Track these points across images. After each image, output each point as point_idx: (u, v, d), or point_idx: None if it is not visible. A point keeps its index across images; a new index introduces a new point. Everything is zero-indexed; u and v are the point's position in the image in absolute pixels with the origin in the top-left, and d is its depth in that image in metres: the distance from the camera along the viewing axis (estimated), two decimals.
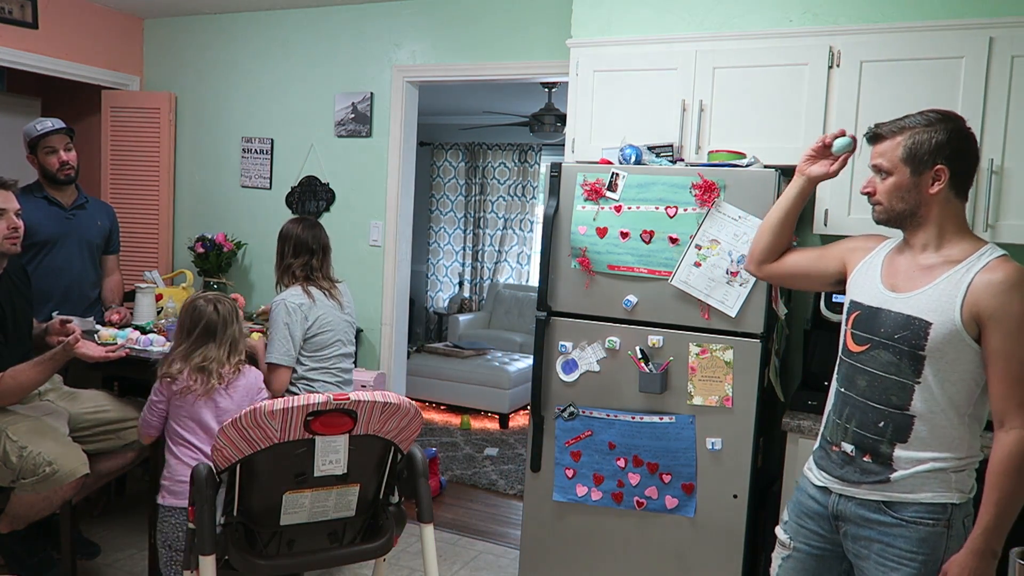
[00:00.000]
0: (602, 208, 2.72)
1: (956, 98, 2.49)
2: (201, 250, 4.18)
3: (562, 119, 5.73)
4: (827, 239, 2.95)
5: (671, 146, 2.80)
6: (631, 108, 2.96)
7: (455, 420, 5.81)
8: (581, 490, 2.79)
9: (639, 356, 2.67)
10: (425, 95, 4.25)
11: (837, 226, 2.66)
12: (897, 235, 1.79)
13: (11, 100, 4.86)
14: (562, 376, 2.81)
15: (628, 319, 2.72)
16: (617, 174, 2.70)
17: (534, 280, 7.74)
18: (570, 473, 2.80)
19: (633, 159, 2.74)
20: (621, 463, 2.72)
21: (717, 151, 2.72)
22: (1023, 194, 2.46)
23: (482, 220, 8.03)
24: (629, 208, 2.68)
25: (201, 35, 4.48)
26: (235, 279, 4.32)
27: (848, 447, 1.73)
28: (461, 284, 8.18)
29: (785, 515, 1.89)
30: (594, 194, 2.72)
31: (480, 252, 8.07)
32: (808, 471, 1.85)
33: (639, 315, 2.70)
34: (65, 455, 2.55)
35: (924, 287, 1.64)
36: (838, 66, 2.64)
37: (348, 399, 2.07)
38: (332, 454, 2.12)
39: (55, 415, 2.75)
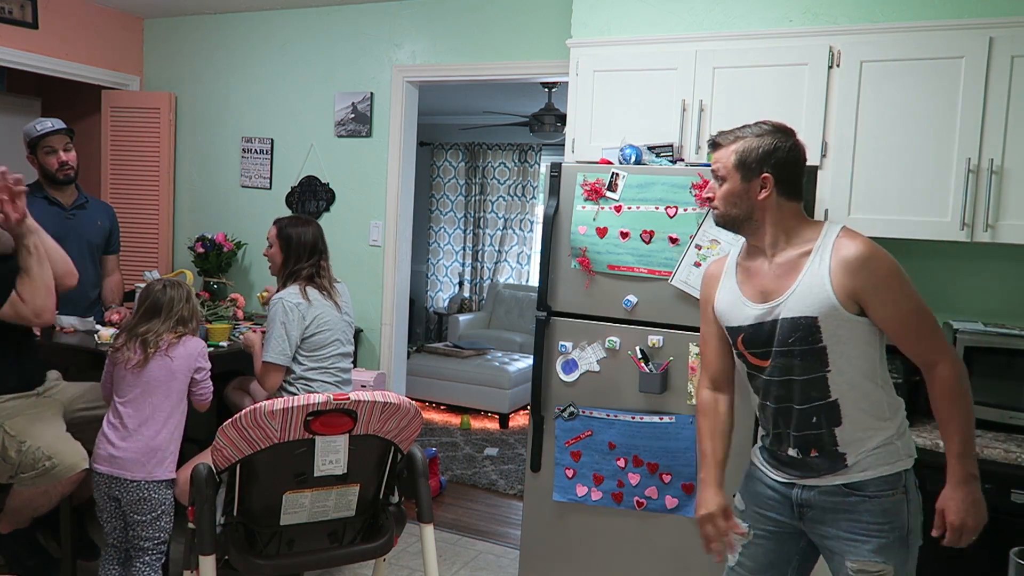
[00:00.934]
0: (602, 208, 2.72)
1: (956, 98, 2.49)
2: (201, 250, 4.18)
3: (562, 119, 5.73)
4: None
5: (671, 146, 2.80)
6: (631, 108, 2.96)
7: (455, 420, 5.81)
8: (581, 490, 2.79)
9: (639, 356, 2.67)
10: (425, 95, 4.25)
11: None
12: (738, 244, 1.91)
13: (11, 100, 4.86)
14: (562, 376, 2.81)
15: (628, 319, 2.72)
16: (617, 174, 2.70)
17: (534, 280, 7.74)
18: (570, 473, 2.80)
19: (633, 159, 2.74)
20: (621, 463, 2.72)
21: None
22: (1023, 194, 2.46)
23: (482, 220, 8.03)
24: (629, 208, 2.68)
25: (201, 35, 4.48)
26: (235, 279, 4.32)
27: (794, 451, 1.80)
28: (461, 284, 8.18)
29: (739, 502, 1.93)
30: (594, 194, 2.72)
31: (480, 252, 8.07)
32: (761, 467, 1.90)
33: (639, 315, 2.70)
34: (64, 449, 2.55)
35: (793, 286, 1.73)
36: (838, 66, 2.64)
37: (348, 399, 2.07)
38: (332, 454, 2.12)
39: (54, 410, 2.75)
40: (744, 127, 1.80)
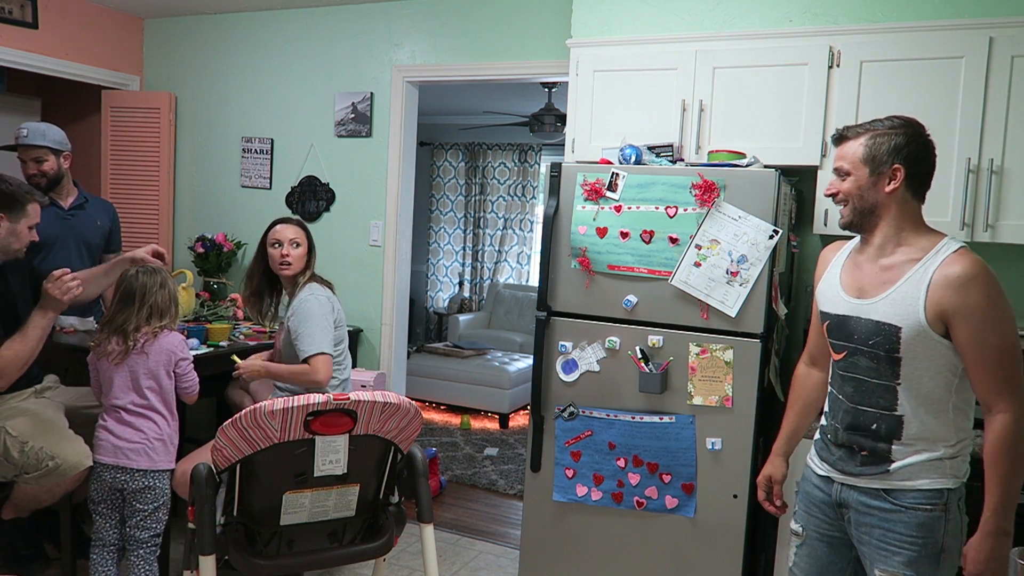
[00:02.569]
0: (602, 208, 2.72)
1: (956, 98, 2.50)
2: (201, 250, 4.18)
3: (562, 119, 5.73)
4: (827, 239, 2.96)
5: (671, 146, 2.80)
6: (631, 108, 2.96)
7: (455, 420, 5.81)
8: (581, 490, 2.79)
9: (639, 356, 2.67)
10: (425, 95, 4.25)
11: (837, 226, 2.65)
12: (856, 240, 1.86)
13: (11, 100, 4.86)
14: (562, 376, 2.81)
15: (628, 319, 2.72)
16: (617, 174, 2.70)
17: (534, 280, 7.74)
18: (570, 473, 2.80)
19: (633, 159, 2.74)
20: (621, 463, 2.72)
21: (717, 151, 2.72)
22: (1023, 194, 2.46)
23: (482, 220, 8.03)
24: (629, 208, 2.68)
25: (201, 35, 4.48)
26: (235, 279, 4.31)
27: (844, 445, 1.80)
28: (461, 284, 8.18)
29: (796, 506, 1.95)
30: (594, 194, 2.72)
31: (480, 252, 8.07)
32: (811, 461, 1.92)
33: (639, 315, 2.70)
34: (67, 448, 2.56)
35: (888, 291, 1.70)
36: (838, 66, 2.64)
37: (348, 399, 2.07)
38: (332, 454, 2.12)
39: (54, 409, 2.75)
40: (875, 121, 1.75)
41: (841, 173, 1.77)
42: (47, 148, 3.26)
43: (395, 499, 2.37)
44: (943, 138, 2.51)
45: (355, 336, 4.00)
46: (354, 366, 3.80)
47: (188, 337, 3.23)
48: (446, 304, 8.19)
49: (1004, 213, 2.48)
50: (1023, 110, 2.43)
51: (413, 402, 2.20)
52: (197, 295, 3.86)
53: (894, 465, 1.71)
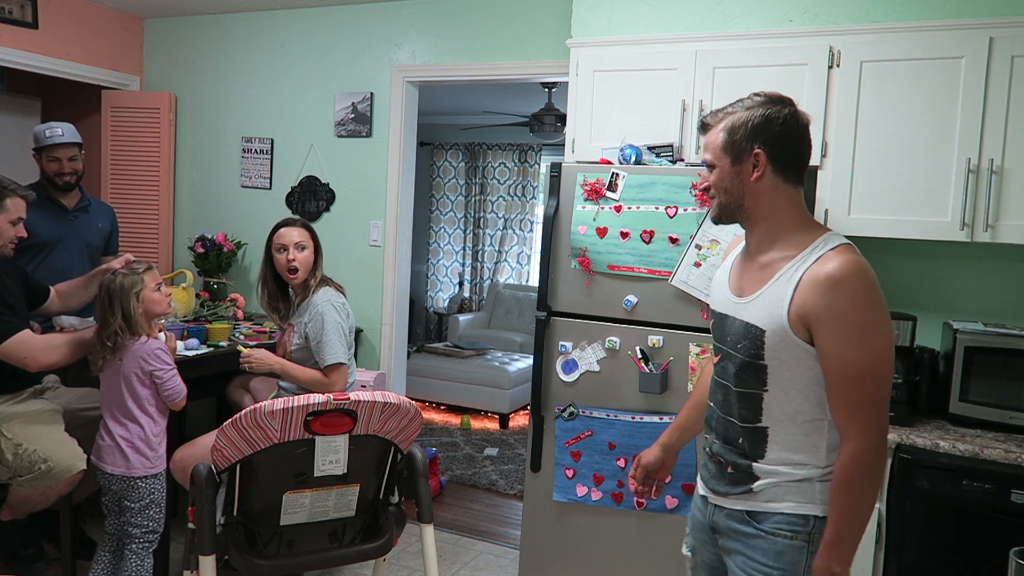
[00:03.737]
0: (602, 208, 2.72)
1: (956, 98, 2.49)
2: (201, 250, 4.18)
3: (562, 119, 5.73)
4: None
5: (671, 146, 2.80)
6: (631, 108, 2.95)
7: (455, 420, 5.81)
8: (581, 490, 2.79)
9: (639, 356, 2.67)
10: (425, 95, 4.25)
11: (837, 226, 2.66)
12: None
13: (11, 100, 4.86)
14: (562, 376, 2.81)
15: (628, 319, 2.72)
16: (617, 174, 2.70)
17: (534, 280, 7.74)
18: (570, 473, 2.80)
19: (633, 159, 2.74)
20: (621, 463, 2.72)
21: None
22: (1023, 194, 2.46)
23: (482, 220, 8.03)
24: (629, 208, 2.68)
25: (201, 35, 4.48)
26: (235, 279, 4.31)
27: (716, 460, 1.64)
28: (461, 284, 8.18)
29: (687, 528, 1.81)
30: (594, 194, 2.72)
31: (480, 252, 8.06)
32: (697, 480, 1.77)
33: (639, 315, 2.70)
34: (61, 452, 2.56)
35: (760, 290, 1.53)
36: (838, 66, 2.64)
37: (348, 399, 2.07)
38: (332, 454, 2.12)
39: (51, 411, 2.75)
40: (736, 101, 1.56)
41: (708, 165, 1.59)
42: (77, 145, 3.28)
43: (395, 499, 2.37)
44: (943, 138, 2.52)
45: (355, 336, 4.00)
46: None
47: (188, 337, 3.23)
48: (446, 304, 8.19)
49: (1004, 213, 2.48)
50: (1023, 110, 2.43)
51: (413, 402, 2.20)
52: (197, 295, 3.86)
53: (757, 484, 1.54)
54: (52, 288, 2.88)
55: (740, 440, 1.57)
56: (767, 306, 1.49)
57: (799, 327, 1.45)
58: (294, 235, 2.86)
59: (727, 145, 1.53)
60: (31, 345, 2.51)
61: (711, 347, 1.70)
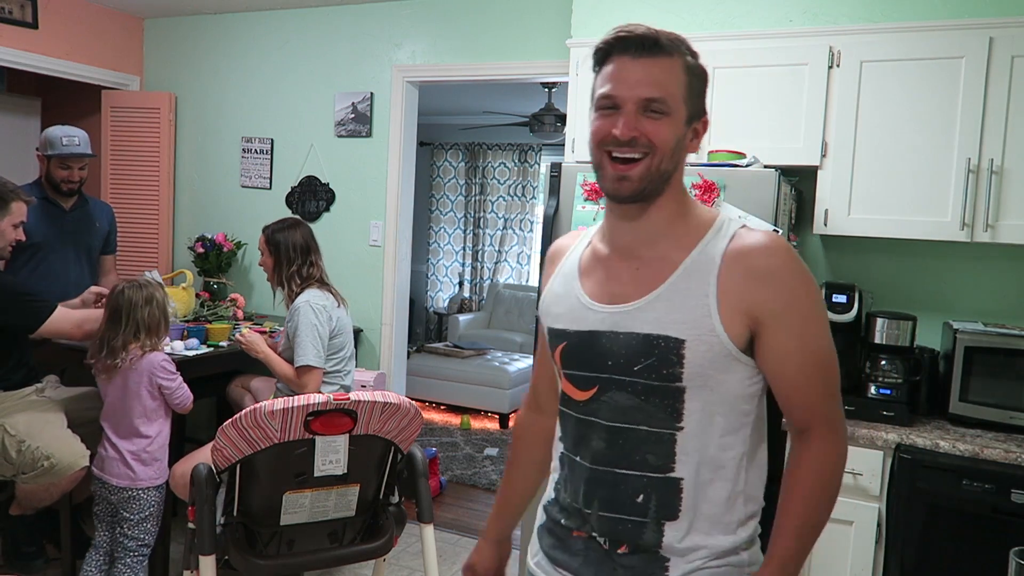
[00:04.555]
0: (602, 208, 2.71)
1: (956, 98, 2.49)
2: (201, 250, 4.18)
3: (562, 119, 5.73)
4: (828, 239, 2.96)
5: None
6: None
7: (455, 420, 5.81)
8: None
9: None
10: (425, 95, 4.25)
11: (837, 226, 2.66)
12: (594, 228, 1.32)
13: (11, 100, 4.86)
14: None
15: None
16: None
17: (534, 280, 7.74)
18: None
19: None
20: None
21: (717, 151, 2.72)
22: (1023, 194, 2.46)
23: (482, 220, 8.03)
24: None
25: (201, 35, 4.48)
26: (235, 279, 4.32)
27: (594, 538, 1.17)
28: (461, 284, 8.18)
29: None
30: (594, 194, 2.72)
31: (480, 252, 8.07)
32: (535, 567, 1.28)
33: None
34: (64, 449, 2.57)
35: (655, 291, 1.13)
36: (838, 66, 2.64)
37: (348, 399, 2.07)
38: (332, 454, 2.12)
39: (53, 409, 2.76)
40: (671, 33, 1.20)
41: (651, 108, 1.12)
42: (91, 156, 3.28)
43: (395, 499, 2.37)
44: (943, 138, 2.52)
45: (355, 336, 3.99)
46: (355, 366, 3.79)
47: (188, 337, 3.23)
48: (446, 304, 8.19)
49: (1004, 213, 2.48)
50: (1023, 110, 2.43)
51: (413, 402, 2.20)
52: (197, 295, 3.86)
53: (674, 571, 1.12)
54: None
55: (641, 497, 1.13)
56: (681, 306, 1.11)
57: (739, 329, 1.10)
58: (260, 241, 3.00)
59: (690, 92, 1.15)
60: (71, 318, 2.64)
61: (565, 380, 1.23)
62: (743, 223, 1.17)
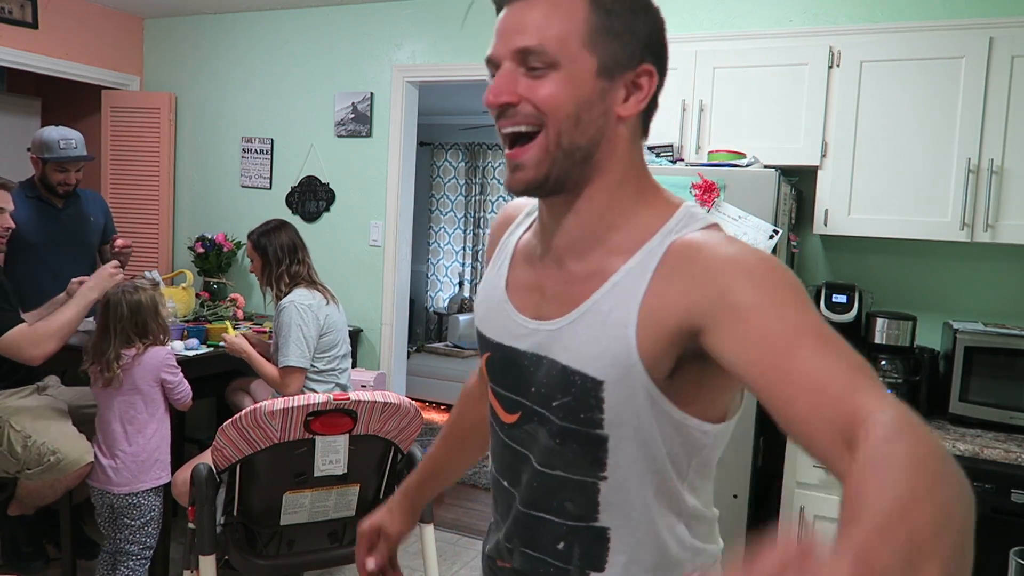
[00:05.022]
0: None
1: (956, 98, 2.50)
2: (201, 250, 4.18)
3: None
4: (828, 239, 2.96)
5: (671, 146, 2.80)
6: None
7: None
8: None
9: None
10: (425, 95, 4.25)
11: (837, 226, 2.66)
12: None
13: (11, 100, 4.86)
14: None
15: None
16: None
17: None
18: None
19: None
20: None
21: (717, 151, 2.72)
22: (1023, 194, 2.46)
23: (482, 220, 8.03)
24: None
25: (201, 35, 4.48)
26: (235, 279, 4.32)
27: (519, 572, 1.01)
28: (461, 284, 8.18)
29: None
30: None
31: (480, 252, 8.06)
32: None
33: None
34: (69, 444, 2.57)
35: (581, 308, 0.88)
36: (838, 66, 2.64)
37: (348, 399, 2.07)
38: (332, 454, 2.12)
39: (57, 405, 2.76)
40: None
41: (528, 62, 0.84)
42: (89, 159, 3.27)
43: None
44: (943, 138, 2.52)
45: (355, 336, 4.00)
46: (354, 366, 3.80)
47: (188, 337, 3.23)
48: (446, 304, 8.19)
49: (1004, 213, 2.48)
50: (1023, 110, 2.43)
51: (413, 402, 2.20)
52: (197, 295, 3.86)
53: None
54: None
55: (562, 545, 0.95)
56: (598, 336, 0.85)
57: (662, 357, 0.83)
58: (248, 248, 3.02)
59: (600, 32, 0.84)
60: (28, 337, 2.51)
61: (494, 397, 1.01)
62: (710, 221, 0.88)
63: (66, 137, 3.18)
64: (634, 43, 0.86)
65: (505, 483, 1.01)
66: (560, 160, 0.85)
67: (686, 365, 0.84)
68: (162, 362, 2.56)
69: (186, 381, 2.64)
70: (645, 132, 0.94)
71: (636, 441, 0.88)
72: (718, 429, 0.90)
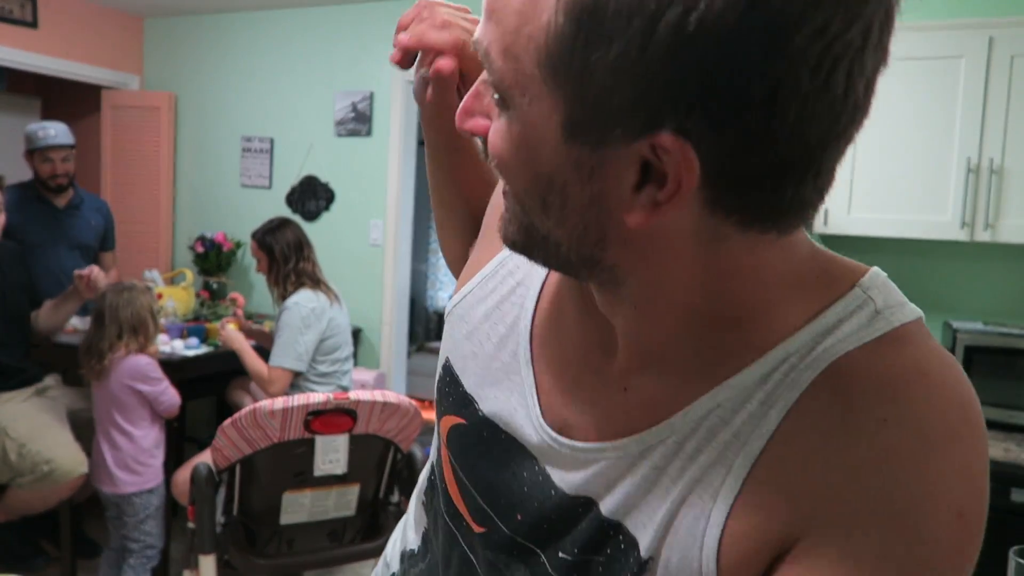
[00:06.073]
0: None
1: (956, 98, 2.50)
2: (201, 250, 4.18)
3: None
4: (828, 239, 2.96)
5: None
6: None
7: None
8: None
9: None
10: None
11: (837, 226, 2.66)
12: None
13: (11, 100, 4.86)
14: None
15: None
16: None
17: None
18: None
19: None
20: None
21: None
22: (1023, 194, 2.46)
23: None
24: None
25: (201, 35, 4.48)
26: (235, 279, 4.32)
27: None
28: None
29: None
30: None
31: None
32: None
33: None
34: (64, 454, 2.56)
35: (626, 440, 0.55)
36: None
37: (348, 399, 2.07)
38: (332, 453, 2.12)
39: (56, 412, 2.75)
40: None
41: (498, 93, 0.47)
42: (70, 147, 3.26)
43: (395, 498, 2.37)
44: (943, 138, 2.52)
45: (355, 336, 4.00)
46: (354, 366, 3.80)
47: (188, 336, 3.23)
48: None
49: (1004, 213, 2.48)
50: (1023, 110, 2.43)
51: (413, 402, 2.20)
52: (197, 295, 3.86)
53: None
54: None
55: None
56: (659, 497, 0.53)
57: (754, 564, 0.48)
58: (252, 247, 3.01)
59: (566, 47, 0.42)
60: None
61: (455, 481, 0.67)
62: (905, 317, 0.50)
63: (44, 127, 3.20)
64: (645, 84, 0.41)
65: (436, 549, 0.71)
66: (538, 243, 0.52)
67: None
68: (139, 373, 2.50)
69: (171, 389, 2.56)
70: (772, 223, 0.47)
71: None
72: None
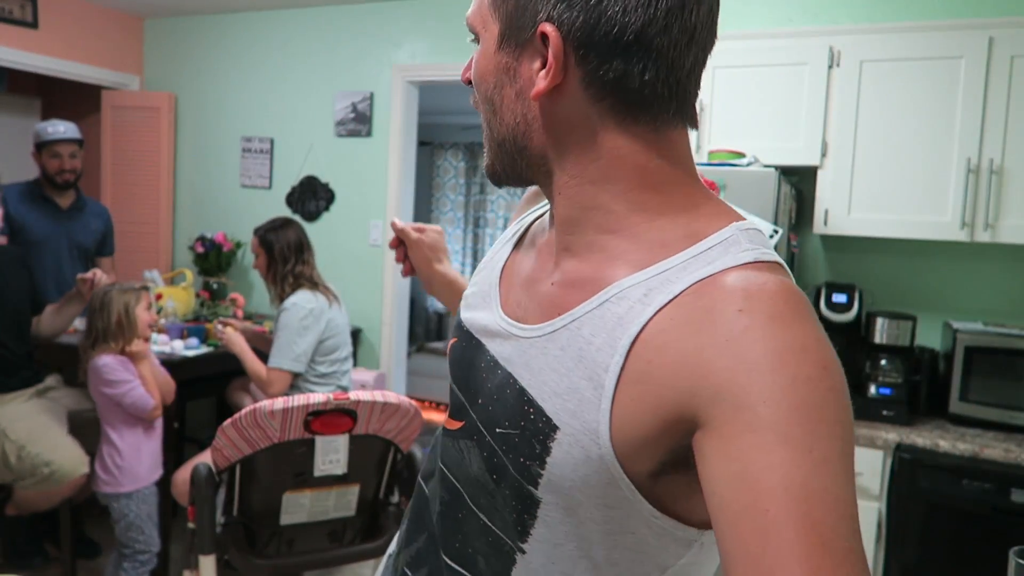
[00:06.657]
0: None
1: (956, 98, 2.50)
2: (201, 250, 4.18)
3: None
4: (828, 239, 2.96)
5: None
6: None
7: None
8: None
9: None
10: (425, 95, 4.25)
11: (837, 226, 2.66)
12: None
13: (11, 100, 4.86)
14: None
15: None
16: None
17: None
18: None
19: None
20: None
21: (717, 151, 2.72)
22: (1023, 194, 2.46)
23: (482, 220, 8.03)
24: None
25: (201, 35, 4.48)
26: (235, 279, 4.32)
27: None
28: None
29: None
30: None
31: (480, 252, 8.06)
32: None
33: None
34: (64, 456, 2.56)
35: (558, 318, 0.68)
36: (838, 66, 2.64)
37: (348, 399, 2.07)
38: (332, 454, 2.12)
39: (55, 413, 2.76)
40: None
41: (471, 28, 0.75)
42: (78, 142, 3.27)
43: (395, 499, 2.37)
44: (943, 138, 2.52)
45: (355, 336, 4.00)
46: (354, 366, 3.80)
47: (188, 336, 3.23)
48: None
49: (1004, 213, 2.48)
50: (1023, 110, 2.44)
51: (413, 402, 2.20)
52: (197, 295, 3.86)
53: None
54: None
55: None
56: (570, 370, 0.65)
57: (635, 451, 0.61)
58: (253, 243, 3.00)
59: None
60: None
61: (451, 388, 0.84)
62: (763, 255, 0.62)
63: (54, 124, 3.25)
64: (528, 3, 0.64)
65: (427, 492, 0.83)
66: (497, 151, 0.72)
67: (674, 463, 0.61)
68: (97, 375, 2.46)
69: (139, 389, 2.47)
70: (641, 113, 0.64)
71: (575, 523, 0.65)
72: (707, 538, 0.64)
